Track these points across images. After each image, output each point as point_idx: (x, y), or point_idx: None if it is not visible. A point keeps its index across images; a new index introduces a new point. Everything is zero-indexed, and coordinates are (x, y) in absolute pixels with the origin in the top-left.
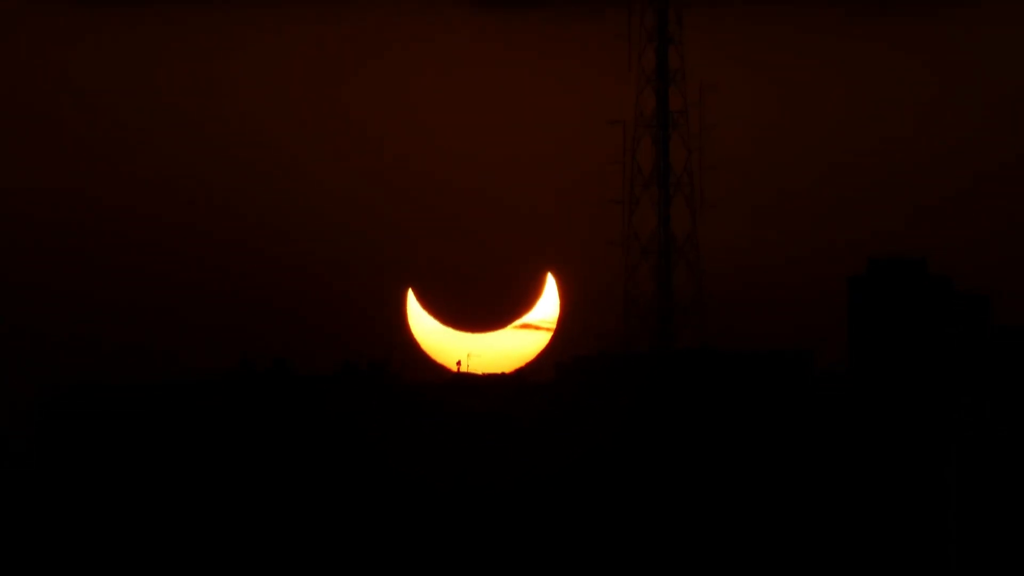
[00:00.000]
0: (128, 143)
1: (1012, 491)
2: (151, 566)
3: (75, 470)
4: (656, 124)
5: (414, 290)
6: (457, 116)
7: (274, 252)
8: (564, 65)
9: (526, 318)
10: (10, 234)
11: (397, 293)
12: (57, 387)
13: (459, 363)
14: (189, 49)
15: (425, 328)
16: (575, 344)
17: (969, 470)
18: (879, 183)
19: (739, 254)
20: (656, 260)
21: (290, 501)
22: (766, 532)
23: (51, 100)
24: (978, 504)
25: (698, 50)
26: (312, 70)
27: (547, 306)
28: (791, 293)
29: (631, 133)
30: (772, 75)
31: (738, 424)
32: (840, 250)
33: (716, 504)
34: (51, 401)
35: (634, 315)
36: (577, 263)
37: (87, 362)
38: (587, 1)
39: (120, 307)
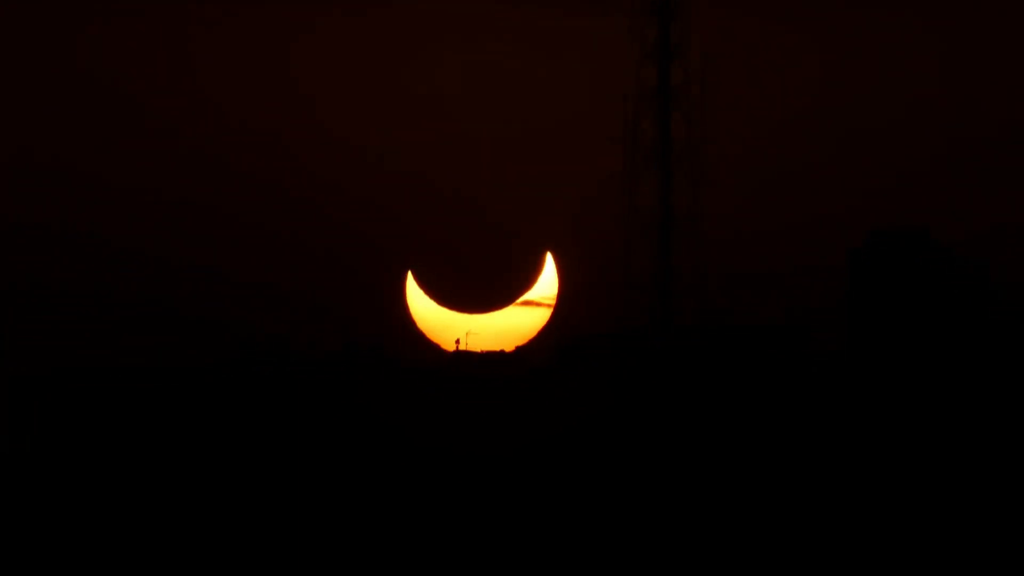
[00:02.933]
0: (135, 124)
1: (1012, 466)
2: (156, 548)
3: (73, 455)
4: (657, 99)
5: (413, 272)
6: (454, 94)
7: (274, 234)
8: (564, 40)
9: (525, 297)
10: (8, 219)
11: (397, 275)
12: (55, 371)
13: (457, 341)
14: (194, 37)
15: (424, 308)
16: (575, 322)
17: (968, 444)
18: (881, 155)
19: (740, 229)
20: (656, 236)
21: (290, 482)
22: (762, 509)
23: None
24: (976, 481)
25: (699, 24)
26: (312, 56)
27: (546, 284)
28: (792, 267)
29: (632, 108)
30: (773, 49)
31: (737, 399)
32: (843, 223)
33: (713, 480)
34: (48, 385)
35: (634, 291)
36: (577, 240)
37: (86, 345)
38: None
39: (120, 290)
